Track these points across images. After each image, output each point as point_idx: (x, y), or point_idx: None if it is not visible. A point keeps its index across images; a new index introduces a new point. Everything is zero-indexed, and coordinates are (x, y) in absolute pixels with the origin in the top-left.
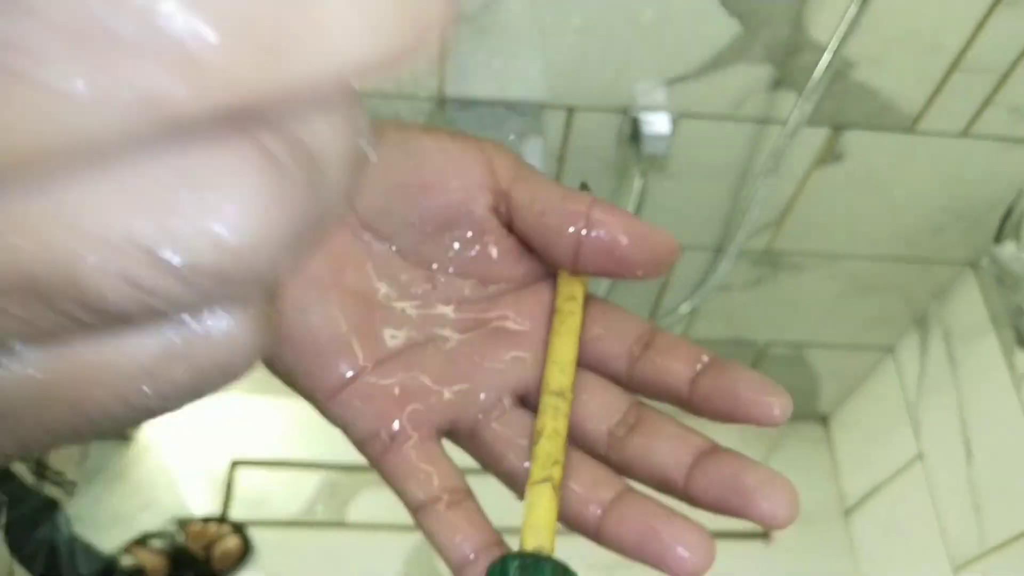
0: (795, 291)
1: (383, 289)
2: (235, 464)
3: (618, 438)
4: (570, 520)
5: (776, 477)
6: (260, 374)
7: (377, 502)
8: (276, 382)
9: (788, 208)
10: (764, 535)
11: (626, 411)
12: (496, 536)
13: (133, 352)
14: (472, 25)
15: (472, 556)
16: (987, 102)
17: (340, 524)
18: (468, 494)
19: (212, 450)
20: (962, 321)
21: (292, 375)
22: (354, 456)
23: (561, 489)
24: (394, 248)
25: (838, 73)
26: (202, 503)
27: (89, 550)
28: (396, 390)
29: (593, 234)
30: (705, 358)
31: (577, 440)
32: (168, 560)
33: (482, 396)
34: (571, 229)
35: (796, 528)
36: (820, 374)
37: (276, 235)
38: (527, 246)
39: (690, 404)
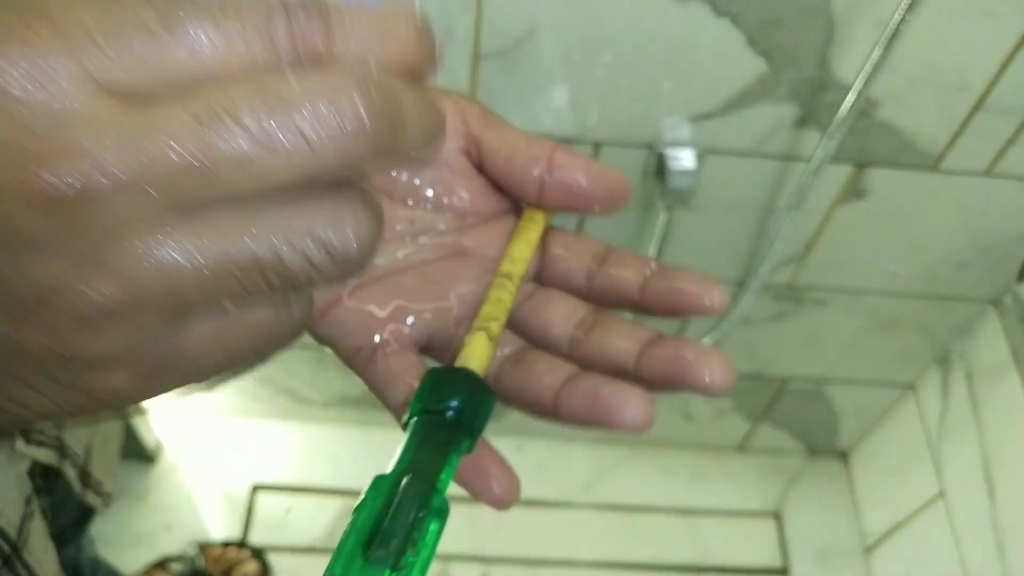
0: (817, 326)
1: None
2: (256, 488)
3: (577, 339)
4: (530, 405)
5: (712, 350)
6: (280, 401)
7: None
8: (297, 408)
9: (811, 244)
10: (783, 571)
11: (583, 316)
12: None
13: (266, 312)
14: (503, 60)
15: None
16: (1011, 141)
17: None
18: None
19: (233, 474)
20: (984, 359)
21: None
22: None
23: (497, 341)
24: (375, 188)
25: (862, 112)
26: (222, 527)
27: (112, 572)
28: (377, 311)
29: (555, 174)
30: (653, 265)
31: (542, 344)
32: None
33: (455, 313)
34: (535, 171)
35: (816, 565)
36: (841, 410)
37: (374, 241)
38: (496, 185)
39: (642, 305)
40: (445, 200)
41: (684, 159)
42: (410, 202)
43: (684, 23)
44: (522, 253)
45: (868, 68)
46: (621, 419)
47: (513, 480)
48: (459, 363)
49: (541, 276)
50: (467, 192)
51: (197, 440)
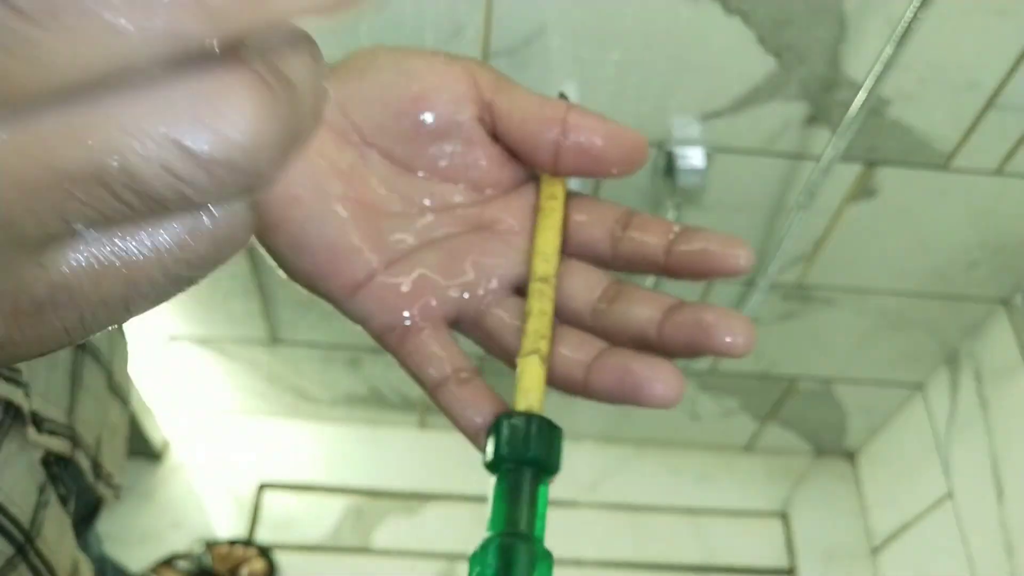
0: (825, 326)
1: (387, 199)
2: (262, 487)
3: (600, 310)
4: (560, 382)
5: (732, 313)
6: (287, 399)
7: (403, 529)
8: (304, 406)
9: (820, 243)
10: (790, 571)
11: (606, 287)
12: (503, 404)
13: (172, 233)
14: (512, 58)
15: (482, 424)
16: (1021, 140)
17: (365, 550)
18: (477, 373)
19: (240, 472)
20: (993, 359)
21: (312, 280)
22: (381, 482)
23: (549, 360)
24: (394, 162)
25: (873, 110)
26: (229, 525)
27: (118, 570)
28: (406, 287)
29: (570, 137)
30: (676, 228)
31: (566, 317)
32: None
33: (482, 288)
34: (550, 134)
35: (823, 565)
36: (848, 410)
37: (268, 138)
38: (511, 152)
39: (668, 269)
40: (463, 171)
41: (693, 158)
42: (426, 174)
43: (694, 21)
44: (553, 246)
45: (879, 66)
46: (651, 394)
47: None
48: (519, 397)
49: (565, 244)
50: (484, 160)
51: (204, 438)
